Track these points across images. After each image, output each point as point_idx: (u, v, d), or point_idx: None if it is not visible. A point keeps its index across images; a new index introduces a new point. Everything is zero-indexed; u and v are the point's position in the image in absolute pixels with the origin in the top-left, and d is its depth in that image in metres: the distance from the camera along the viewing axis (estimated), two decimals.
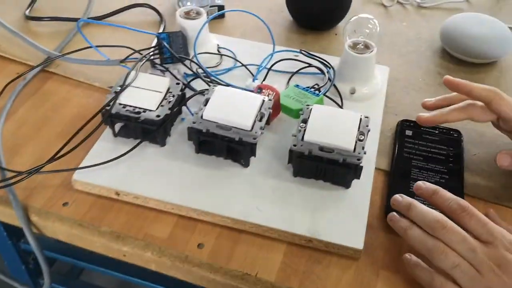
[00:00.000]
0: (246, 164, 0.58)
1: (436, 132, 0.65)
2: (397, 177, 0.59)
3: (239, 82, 0.68)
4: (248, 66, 0.71)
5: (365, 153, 0.55)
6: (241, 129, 0.55)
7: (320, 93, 0.63)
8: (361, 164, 0.54)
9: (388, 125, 0.67)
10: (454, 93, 0.61)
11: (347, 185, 0.57)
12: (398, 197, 0.52)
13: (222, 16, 0.83)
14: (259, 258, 0.52)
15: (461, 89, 0.58)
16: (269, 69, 0.70)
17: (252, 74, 0.70)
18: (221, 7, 0.82)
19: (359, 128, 0.57)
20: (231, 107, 0.57)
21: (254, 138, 0.55)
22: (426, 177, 0.59)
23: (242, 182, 0.57)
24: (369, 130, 0.57)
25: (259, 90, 0.63)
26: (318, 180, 0.57)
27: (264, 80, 0.69)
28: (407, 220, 0.50)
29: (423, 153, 0.62)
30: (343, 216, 0.54)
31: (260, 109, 0.58)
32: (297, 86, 0.63)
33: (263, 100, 0.59)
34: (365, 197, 0.57)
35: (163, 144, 0.60)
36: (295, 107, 0.60)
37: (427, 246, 0.47)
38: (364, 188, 0.57)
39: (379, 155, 0.62)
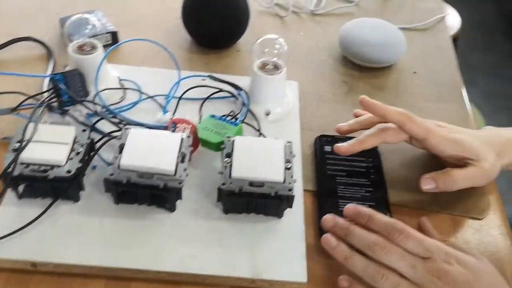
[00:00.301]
0: (172, 209, 0.55)
1: None
2: (325, 197, 0.59)
3: (149, 117, 0.64)
4: (155, 98, 0.67)
5: (295, 181, 0.54)
6: (165, 175, 0.52)
7: (238, 121, 0.61)
8: (292, 194, 0.53)
9: (307, 141, 0.67)
10: (366, 116, 0.63)
11: (279, 215, 0.56)
12: (330, 219, 0.52)
13: (116, 41, 0.77)
14: None
15: (376, 111, 0.59)
16: (179, 99, 0.67)
17: (161, 106, 0.66)
18: (114, 34, 0.76)
19: (285, 155, 0.55)
20: (149, 151, 0.53)
21: (180, 183, 0.52)
22: (352, 192, 0.60)
23: (171, 229, 0.54)
24: (294, 156, 0.56)
25: (174, 125, 0.60)
26: (250, 213, 0.55)
27: (175, 111, 0.66)
28: (344, 245, 0.50)
29: (345, 168, 0.63)
30: (282, 249, 0.53)
31: (181, 149, 0.54)
32: (213, 116, 0.61)
33: (182, 139, 0.55)
34: (299, 224, 0.56)
35: (76, 199, 0.54)
36: (215, 141, 0.58)
37: (368, 272, 0.48)
38: (296, 215, 0.56)
39: (304, 176, 0.62)
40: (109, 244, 0.52)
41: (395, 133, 0.59)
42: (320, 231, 0.55)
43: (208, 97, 0.68)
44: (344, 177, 0.62)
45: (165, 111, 0.65)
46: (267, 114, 0.66)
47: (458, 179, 0.57)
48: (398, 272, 0.47)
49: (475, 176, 0.57)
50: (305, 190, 0.60)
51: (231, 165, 0.54)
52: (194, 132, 0.59)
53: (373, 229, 0.50)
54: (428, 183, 0.58)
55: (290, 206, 0.54)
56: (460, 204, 0.61)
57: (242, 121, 0.62)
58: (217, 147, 0.58)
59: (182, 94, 0.67)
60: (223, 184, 0.52)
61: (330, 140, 0.66)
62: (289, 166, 0.55)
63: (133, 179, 0.51)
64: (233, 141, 0.56)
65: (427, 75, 0.81)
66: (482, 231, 0.60)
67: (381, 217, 0.50)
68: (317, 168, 0.63)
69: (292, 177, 0.54)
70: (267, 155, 0.55)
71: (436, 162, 0.63)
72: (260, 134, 0.64)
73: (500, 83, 2.20)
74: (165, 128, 0.60)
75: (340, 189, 0.60)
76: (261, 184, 0.53)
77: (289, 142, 0.57)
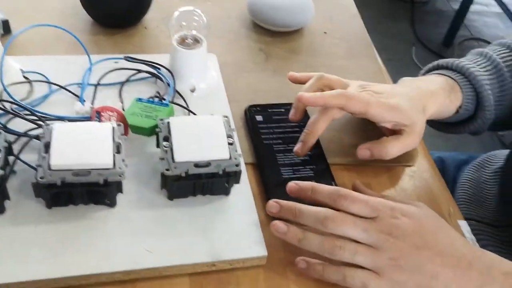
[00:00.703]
0: (112, 204, 0.51)
1: (283, 110, 0.65)
2: (266, 167, 0.58)
3: (65, 109, 0.58)
4: (68, 87, 0.61)
5: (240, 155, 0.52)
6: (103, 169, 0.47)
7: (166, 101, 0.58)
8: (240, 169, 0.51)
9: (236, 114, 0.65)
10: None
11: (227, 192, 0.54)
12: (274, 205, 0.51)
13: (8, 31, 0.69)
14: None
15: (316, 103, 0.57)
16: (96, 86, 0.62)
17: (77, 96, 0.61)
18: (5, 23, 0.68)
19: (225, 131, 0.53)
20: (81, 146, 0.48)
21: (121, 175, 0.48)
22: (291, 158, 0.60)
23: (116, 225, 0.50)
24: (234, 130, 0.54)
25: (98, 115, 0.55)
26: (197, 195, 0.53)
27: (93, 100, 0.60)
28: (295, 228, 0.49)
29: (280, 135, 0.62)
30: (236, 226, 0.52)
31: (114, 138, 0.50)
32: (140, 100, 0.57)
33: (113, 128, 0.51)
34: (248, 198, 0.54)
35: (2, 210, 0.48)
36: (148, 125, 0.54)
37: (324, 248, 0.48)
38: (243, 190, 0.55)
39: (241, 149, 0.60)
40: (50, 253, 0.47)
41: (338, 110, 0.58)
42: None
43: (127, 80, 0.64)
44: (281, 144, 0.61)
45: (82, 101, 0.59)
46: (193, 90, 0.64)
47: (392, 148, 0.58)
48: (353, 240, 0.48)
49: (409, 144, 0.59)
50: (246, 164, 0.59)
51: (172, 149, 0.50)
52: (121, 120, 0.55)
53: (318, 201, 0.50)
54: (363, 153, 0.59)
55: (238, 182, 0.53)
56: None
57: (172, 99, 0.59)
58: (151, 131, 0.54)
59: (99, 80, 0.62)
60: (167, 170, 0.49)
61: (260, 110, 0.65)
62: (231, 141, 0.53)
63: (68, 178, 0.46)
64: (168, 123, 0.53)
65: (338, 34, 0.82)
66: (416, 176, 0.63)
67: (324, 187, 0.50)
68: (252, 140, 0.61)
69: (236, 151, 0.52)
70: (207, 133, 0.52)
71: (366, 122, 0.65)
72: (190, 112, 0.61)
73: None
74: (88, 119, 0.55)
75: (280, 157, 0.59)
76: (207, 164, 0.50)
77: (225, 116, 0.55)
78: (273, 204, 0.51)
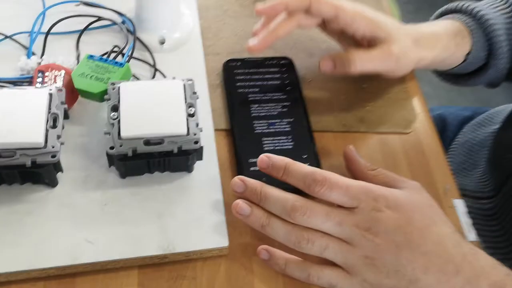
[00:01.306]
0: (53, 183, 0.44)
1: (266, 63, 0.56)
2: (240, 136, 0.50)
3: (8, 65, 0.50)
4: (14, 37, 0.53)
5: (201, 130, 0.43)
6: (31, 149, 0.40)
7: (124, 58, 0.49)
8: (200, 145, 0.43)
9: (213, 69, 0.56)
10: (275, 23, 0.52)
11: (189, 169, 0.46)
12: (239, 184, 0.43)
13: None
14: None
15: (278, 10, 0.50)
16: (47, 35, 0.53)
17: (25, 47, 0.52)
18: None
19: (185, 99, 0.45)
20: (6, 120, 0.41)
21: (54, 156, 0.40)
22: (268, 110, 0.51)
23: (55, 210, 0.43)
24: (197, 97, 0.45)
25: (41, 74, 0.47)
26: (153, 172, 0.45)
27: (43, 53, 0.52)
28: (259, 211, 0.42)
29: (260, 97, 0.53)
30: (196, 212, 0.44)
31: (50, 109, 0.42)
32: (91, 57, 0.48)
33: (50, 94, 0.43)
34: (214, 177, 0.47)
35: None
36: (96, 90, 0.46)
37: (290, 239, 0.41)
38: (209, 166, 0.47)
39: (213, 113, 0.52)
40: None
41: (306, 15, 0.51)
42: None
43: (85, 29, 0.54)
44: (260, 109, 0.52)
45: (29, 55, 0.51)
46: (162, 42, 0.54)
47: (358, 59, 0.50)
48: (324, 232, 0.40)
49: (379, 58, 0.51)
50: (216, 130, 0.51)
51: (119, 122, 0.42)
52: (69, 81, 0.47)
53: (291, 184, 0.42)
54: (326, 65, 0.51)
55: (201, 159, 0.45)
56: (386, 121, 0.54)
57: (130, 57, 0.50)
58: (101, 97, 0.46)
59: (50, 28, 0.53)
60: (112, 148, 0.41)
61: (240, 65, 0.56)
62: (192, 112, 0.44)
63: None
64: (118, 88, 0.44)
65: None
66: (410, 145, 0.53)
67: (298, 168, 0.42)
68: (228, 102, 0.53)
69: (197, 125, 0.43)
70: (162, 102, 0.44)
71: (358, 80, 0.55)
72: (156, 70, 0.52)
73: None
74: (30, 80, 0.47)
75: (258, 124, 0.51)
76: (159, 141, 0.42)
77: (189, 80, 0.46)
78: (238, 182, 0.43)
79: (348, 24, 0.51)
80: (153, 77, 0.52)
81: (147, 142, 0.42)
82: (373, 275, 0.39)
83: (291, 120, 0.51)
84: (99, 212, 0.43)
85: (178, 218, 0.44)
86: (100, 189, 0.45)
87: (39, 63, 0.49)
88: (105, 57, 0.48)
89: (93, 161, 0.46)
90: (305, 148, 0.49)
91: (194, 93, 0.45)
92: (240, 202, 0.42)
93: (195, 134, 0.43)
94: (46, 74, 0.47)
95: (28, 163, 0.40)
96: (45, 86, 0.44)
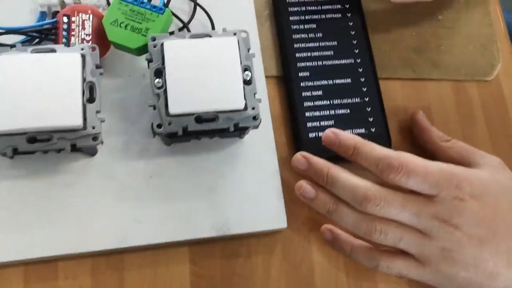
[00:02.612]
0: (92, 153, 0.39)
1: None
2: (299, 88, 0.44)
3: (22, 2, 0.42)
4: None
5: (260, 101, 0.37)
6: (70, 131, 0.35)
7: (160, 3, 0.40)
8: (258, 121, 0.38)
9: None
10: None
11: (241, 136, 0.41)
12: (302, 161, 0.39)
13: None
14: (159, 279, 0.39)
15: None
16: None
17: None
18: None
19: (240, 61, 0.38)
20: (37, 95, 0.34)
21: (95, 138, 0.35)
22: (327, 56, 0.45)
23: (98, 182, 0.39)
24: (254, 56, 0.38)
25: (67, 19, 0.39)
26: (199, 138, 0.40)
27: None
28: (326, 195, 0.38)
29: (316, 33, 0.45)
30: (250, 185, 0.40)
31: (84, 77, 0.36)
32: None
33: (83, 56, 0.36)
34: (267, 141, 0.42)
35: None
36: (135, 44, 0.38)
37: (361, 228, 0.37)
38: (262, 127, 0.41)
39: (263, 53, 0.45)
40: (16, 224, 0.37)
41: None
42: (297, 145, 0.42)
43: None
44: (317, 53, 0.45)
45: None
46: None
47: None
48: (399, 221, 0.37)
49: None
50: (268, 77, 0.44)
51: (165, 93, 0.36)
52: (99, 24, 0.39)
53: (362, 166, 0.38)
54: None
55: (256, 128, 0.39)
56: (464, 65, 0.47)
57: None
58: (140, 51, 0.39)
59: None
60: (159, 126, 0.36)
61: None
62: (249, 78, 0.37)
63: (20, 144, 0.34)
64: (161, 47, 0.37)
65: None
66: (489, 95, 0.47)
67: (370, 150, 0.37)
68: (280, 40, 0.45)
69: (255, 95, 0.37)
70: (214, 65, 0.37)
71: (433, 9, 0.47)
72: (196, 5, 0.43)
73: None
74: (54, 26, 0.39)
75: (317, 75, 0.44)
76: (213, 117, 0.36)
77: (243, 31, 0.39)
78: (300, 159, 0.39)
79: None
80: (193, 14, 0.43)
81: (199, 118, 0.36)
82: (449, 268, 0.37)
83: (357, 70, 0.44)
84: (144, 185, 0.39)
85: (230, 193, 0.40)
86: (143, 158, 0.40)
87: (62, 2, 0.41)
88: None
89: (133, 122, 0.41)
90: (373, 111, 0.43)
91: (249, 51, 0.38)
92: (304, 184, 0.38)
93: (253, 108, 0.37)
94: (73, 19, 0.39)
95: (68, 148, 0.34)
96: (74, 46, 0.36)
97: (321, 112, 0.42)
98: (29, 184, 0.38)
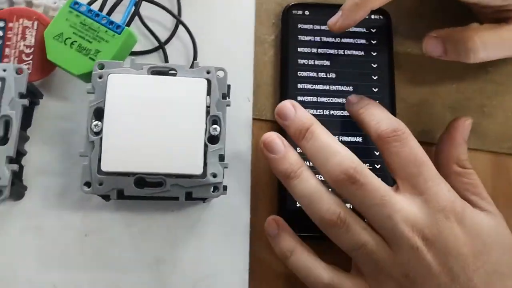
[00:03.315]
0: (15, 197, 0.31)
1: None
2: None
3: None
4: None
5: (226, 166, 0.28)
6: None
7: (123, 19, 0.31)
8: (220, 192, 0.28)
9: (267, 14, 0.38)
10: None
11: (204, 200, 0.32)
12: (288, 107, 0.31)
13: None
14: None
15: None
16: None
17: None
18: None
19: (207, 107, 0.28)
20: None
21: (1, 192, 0.27)
22: (341, 94, 0.35)
23: (20, 233, 0.31)
24: (228, 104, 0.29)
25: (3, 24, 0.31)
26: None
27: None
28: (294, 154, 0.30)
29: (331, 68, 0.36)
30: (209, 261, 0.32)
31: None
32: (75, 4, 0.31)
33: (2, 81, 0.28)
34: (240, 206, 0.33)
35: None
36: (75, 70, 0.30)
37: (321, 210, 0.28)
38: (238, 185, 0.33)
39: (258, 89, 0.36)
40: None
41: None
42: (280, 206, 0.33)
43: None
44: (326, 81, 0.35)
45: None
46: None
47: (482, 45, 0.33)
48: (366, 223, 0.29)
49: None
50: (256, 120, 0.35)
51: (101, 141, 0.27)
52: (43, 40, 0.31)
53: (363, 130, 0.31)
54: (432, 45, 0.34)
55: (218, 196, 0.30)
56: (509, 137, 0.36)
57: (136, 10, 0.32)
58: (84, 78, 0.31)
59: None
60: (87, 184, 0.27)
61: (309, 15, 0.37)
62: (216, 133, 0.28)
63: None
64: (107, 79, 0.28)
65: None
66: None
67: (378, 108, 0.31)
68: (283, 72, 0.36)
69: (221, 158, 0.28)
70: (171, 115, 0.28)
71: None
72: (179, 23, 0.34)
73: None
74: None
75: (321, 106, 0.35)
76: (159, 181, 0.28)
77: (220, 70, 0.29)
78: (288, 106, 0.31)
79: None
80: (174, 32, 0.34)
81: (140, 181, 0.28)
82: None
83: (372, 90, 0.35)
84: (76, 245, 0.31)
85: (183, 269, 0.31)
86: (80, 210, 0.32)
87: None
88: (95, 12, 0.31)
89: (76, 161, 0.32)
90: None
91: (225, 96, 0.29)
92: (274, 135, 0.30)
93: (215, 176, 0.28)
94: (10, 25, 0.31)
95: None
96: None
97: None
98: None
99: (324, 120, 0.32)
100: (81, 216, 0.32)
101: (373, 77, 0.35)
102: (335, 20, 0.33)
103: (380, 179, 0.28)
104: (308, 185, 0.29)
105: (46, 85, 0.33)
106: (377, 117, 0.30)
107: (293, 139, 0.30)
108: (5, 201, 0.31)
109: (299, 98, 0.35)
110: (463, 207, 0.28)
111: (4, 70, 0.28)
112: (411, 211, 0.27)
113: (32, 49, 0.31)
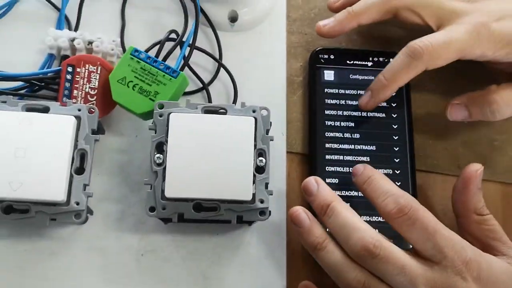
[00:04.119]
0: (82, 220, 0.35)
1: (372, 59, 0.42)
2: (320, 164, 0.38)
3: (34, 36, 0.39)
4: None
5: (271, 193, 0.33)
6: (50, 205, 0.31)
7: (176, 64, 0.36)
8: (266, 216, 0.33)
9: (296, 58, 0.42)
10: None
11: (248, 223, 0.36)
12: (312, 183, 0.34)
13: None
14: None
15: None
16: None
17: (56, 8, 0.40)
18: None
19: (255, 139, 0.33)
20: (21, 161, 0.31)
21: (78, 215, 0.31)
22: (364, 133, 0.39)
23: (84, 253, 0.35)
24: (272, 139, 0.34)
25: (71, 69, 0.35)
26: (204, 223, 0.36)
27: (78, 21, 0.40)
28: (319, 229, 0.33)
29: (353, 113, 0.40)
30: (251, 278, 0.36)
31: (76, 143, 0.32)
32: (136, 52, 0.35)
33: (78, 119, 0.32)
34: (279, 229, 0.37)
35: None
36: (138, 109, 0.34)
37: (344, 279, 0.31)
38: (275, 211, 0.37)
39: (289, 126, 0.40)
40: None
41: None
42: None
43: None
44: (351, 129, 0.40)
45: (61, 24, 0.39)
46: (234, 20, 0.40)
47: (505, 104, 0.36)
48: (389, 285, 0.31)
49: None
50: (290, 153, 0.39)
51: (164, 170, 0.32)
52: (107, 79, 0.35)
53: (370, 201, 0.33)
54: (457, 111, 0.38)
55: (265, 219, 0.34)
56: None
57: (189, 56, 0.37)
58: (146, 116, 0.35)
59: None
60: (152, 209, 0.32)
61: (334, 58, 0.42)
62: (262, 163, 0.33)
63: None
64: (168, 118, 0.33)
65: None
66: None
67: (382, 183, 0.33)
68: (310, 111, 0.40)
69: (267, 186, 0.32)
70: (224, 148, 0.32)
71: None
72: (221, 66, 0.39)
73: None
74: (57, 74, 0.36)
75: (346, 150, 0.39)
76: (214, 206, 0.32)
77: (263, 108, 0.34)
78: (312, 182, 0.34)
79: (479, 58, 0.36)
80: (216, 74, 0.39)
81: (198, 206, 0.32)
82: None
83: (393, 149, 0.39)
84: (134, 263, 0.35)
85: (228, 284, 0.35)
86: (137, 233, 0.36)
87: (72, 40, 0.37)
88: (153, 58, 0.35)
89: (132, 189, 0.37)
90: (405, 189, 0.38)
91: (268, 131, 0.33)
92: (299, 209, 0.33)
93: (262, 202, 0.32)
94: (78, 70, 0.35)
95: (46, 223, 0.31)
96: (71, 105, 0.33)
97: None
98: (9, 247, 0.35)
99: (348, 149, 0.37)
100: (137, 238, 0.36)
101: (388, 125, 0.40)
102: (367, 100, 0.38)
103: (398, 247, 0.31)
104: (334, 257, 0.32)
105: (104, 123, 0.37)
106: (381, 193, 0.32)
107: (317, 214, 0.33)
108: (73, 224, 0.35)
109: (327, 134, 0.39)
110: (478, 262, 0.31)
111: (79, 110, 0.32)
112: (431, 277, 0.30)
113: (96, 90, 0.35)
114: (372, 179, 0.33)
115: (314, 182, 0.34)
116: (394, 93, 0.38)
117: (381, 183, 0.33)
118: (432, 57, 0.34)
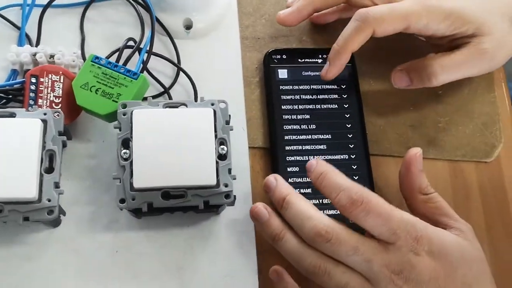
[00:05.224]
0: (54, 224, 0.36)
1: (321, 56, 0.45)
2: (281, 155, 0.41)
3: None
4: (2, 12, 0.42)
5: (234, 178, 0.35)
6: (23, 203, 0.32)
7: (136, 67, 0.38)
8: (232, 199, 0.34)
9: (251, 60, 0.45)
10: None
11: (216, 212, 0.38)
12: (271, 181, 0.36)
13: None
14: None
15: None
16: (46, 8, 0.42)
17: (16, 27, 0.42)
18: None
19: (215, 132, 0.35)
20: None
21: (51, 212, 0.32)
22: (318, 124, 0.42)
23: (59, 256, 0.36)
24: (231, 128, 0.36)
25: (35, 80, 0.37)
26: (172, 212, 0.37)
27: (38, 37, 0.41)
28: (276, 220, 0.35)
29: (308, 106, 0.43)
30: (224, 265, 0.37)
31: (44, 145, 0.33)
32: (96, 60, 0.37)
33: (44, 123, 0.34)
34: (245, 216, 0.38)
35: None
36: (102, 111, 0.36)
37: (303, 265, 0.33)
38: (241, 201, 0.39)
39: (249, 123, 0.42)
40: None
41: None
42: None
43: (90, 3, 0.43)
44: (307, 121, 0.42)
45: (22, 41, 0.41)
46: (189, 27, 0.43)
47: (440, 69, 0.39)
48: (346, 265, 0.33)
49: (468, 63, 0.40)
50: (252, 148, 0.41)
51: (131, 164, 0.33)
52: (70, 87, 0.37)
53: (324, 195, 0.35)
54: (400, 78, 0.41)
55: (232, 204, 0.36)
56: (463, 145, 0.43)
57: (147, 60, 0.39)
58: (110, 118, 0.37)
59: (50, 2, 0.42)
60: (122, 201, 0.33)
61: (286, 58, 0.44)
62: (224, 151, 0.35)
63: None
64: (131, 115, 0.35)
65: None
66: (488, 178, 0.43)
67: (334, 178, 0.34)
68: (268, 108, 0.43)
69: (230, 171, 0.34)
70: (185, 138, 0.34)
71: None
72: (180, 70, 0.42)
73: None
74: (21, 87, 0.37)
75: (305, 141, 0.41)
76: (181, 193, 0.34)
77: (222, 101, 0.36)
78: (271, 180, 0.36)
79: (423, 30, 0.39)
80: (176, 78, 0.41)
81: (166, 194, 0.33)
82: None
83: (347, 136, 0.42)
84: (109, 260, 0.36)
85: (202, 274, 0.37)
86: (110, 231, 0.37)
87: (34, 55, 0.39)
88: (113, 63, 0.37)
89: (103, 191, 0.38)
90: (362, 173, 0.40)
91: (227, 122, 0.36)
92: (259, 205, 0.36)
93: (226, 186, 0.34)
94: (41, 80, 0.37)
95: (20, 221, 0.32)
96: (37, 110, 0.34)
97: (306, 190, 0.39)
98: None
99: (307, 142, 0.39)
100: (111, 236, 0.37)
101: (344, 105, 0.43)
102: (326, 69, 0.40)
103: (351, 230, 0.33)
104: (291, 245, 0.34)
105: (71, 130, 0.39)
106: (334, 189, 0.34)
107: (276, 208, 0.35)
108: (45, 228, 0.36)
109: (285, 126, 0.42)
110: (429, 237, 0.33)
111: (45, 114, 0.34)
112: (386, 257, 0.32)
113: (60, 98, 0.37)
114: (324, 175, 0.34)
115: (273, 179, 0.36)
116: (345, 84, 0.41)
117: (333, 178, 0.34)
118: (377, 20, 0.37)
